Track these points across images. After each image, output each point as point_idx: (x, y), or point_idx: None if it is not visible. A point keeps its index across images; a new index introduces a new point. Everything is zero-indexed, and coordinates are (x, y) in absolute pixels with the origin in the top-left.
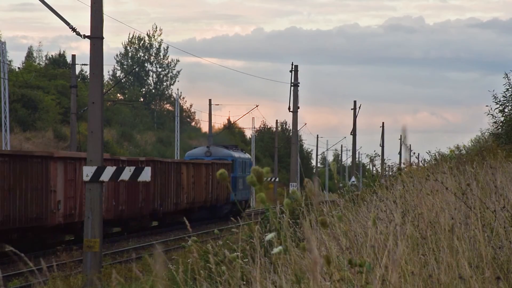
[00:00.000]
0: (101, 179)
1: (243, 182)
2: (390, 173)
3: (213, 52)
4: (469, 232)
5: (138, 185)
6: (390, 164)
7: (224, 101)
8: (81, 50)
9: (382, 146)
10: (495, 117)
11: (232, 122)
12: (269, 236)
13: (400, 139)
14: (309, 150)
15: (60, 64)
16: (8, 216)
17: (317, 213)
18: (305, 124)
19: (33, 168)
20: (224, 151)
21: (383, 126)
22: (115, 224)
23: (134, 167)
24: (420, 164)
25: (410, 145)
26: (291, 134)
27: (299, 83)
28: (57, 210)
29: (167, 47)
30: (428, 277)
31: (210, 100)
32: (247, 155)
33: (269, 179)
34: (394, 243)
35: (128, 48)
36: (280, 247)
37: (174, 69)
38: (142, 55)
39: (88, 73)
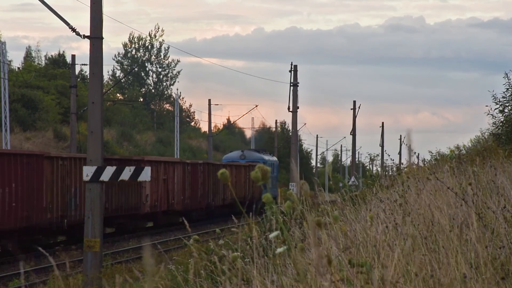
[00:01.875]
0: (101, 179)
1: (272, 182)
2: (390, 173)
3: (213, 52)
4: (469, 233)
5: (198, 183)
6: (390, 164)
7: (224, 101)
8: (81, 50)
9: (382, 146)
10: (495, 117)
11: (231, 122)
12: (273, 234)
13: (400, 139)
14: (309, 150)
15: (60, 64)
16: (118, 205)
17: (314, 213)
18: (305, 124)
19: None
20: (256, 154)
21: (382, 126)
22: (181, 214)
23: (134, 167)
24: (420, 163)
25: (410, 145)
26: (290, 134)
27: (298, 83)
28: (146, 202)
29: (168, 47)
30: (430, 277)
31: (209, 100)
32: (274, 158)
33: None
34: (395, 243)
35: (128, 48)
36: (283, 248)
37: (174, 69)
38: (142, 55)
39: (88, 73)
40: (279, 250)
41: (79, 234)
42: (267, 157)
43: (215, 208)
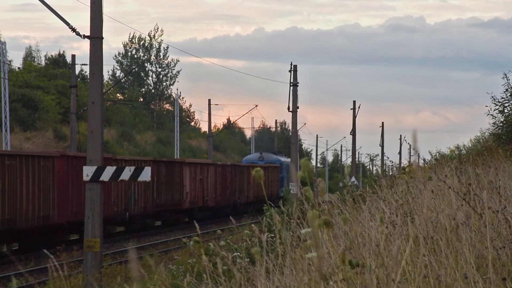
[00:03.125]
0: (101, 179)
1: (287, 181)
2: (391, 173)
3: (214, 52)
4: (471, 233)
5: (226, 183)
6: (390, 165)
7: (224, 101)
8: (82, 50)
9: (382, 146)
10: (495, 117)
11: (231, 122)
12: (305, 230)
13: (400, 139)
14: (309, 150)
15: (60, 64)
16: (166, 200)
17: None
18: (304, 124)
19: (175, 170)
20: (273, 156)
21: (382, 126)
22: (213, 210)
23: (134, 167)
24: (421, 163)
25: (410, 144)
26: (290, 134)
27: (298, 83)
28: (186, 198)
29: (167, 47)
30: (437, 277)
31: (209, 100)
32: (289, 159)
33: None
34: (397, 243)
35: (128, 48)
36: (314, 254)
37: (173, 69)
38: (142, 55)
39: (88, 73)
40: (309, 255)
41: (136, 225)
42: (283, 159)
43: (240, 205)
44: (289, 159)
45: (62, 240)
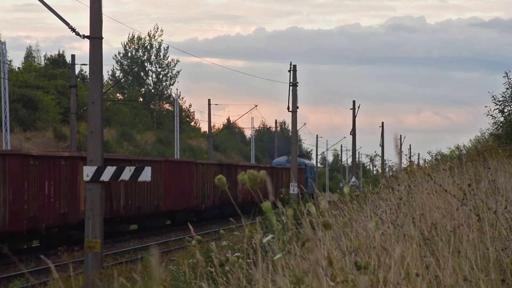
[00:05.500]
0: (101, 179)
1: (311, 181)
2: (391, 173)
3: (214, 52)
4: (471, 234)
5: (266, 182)
6: (390, 165)
7: (224, 101)
8: (83, 50)
9: (382, 146)
10: (495, 117)
11: (231, 122)
12: (267, 238)
13: (400, 139)
14: (309, 150)
15: (59, 64)
16: (223, 197)
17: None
18: (304, 124)
19: (232, 171)
20: (299, 159)
21: (382, 126)
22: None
23: (134, 167)
24: (421, 164)
25: (410, 145)
26: (290, 134)
27: (298, 83)
28: (239, 195)
29: (167, 47)
30: (435, 278)
31: (209, 100)
32: (312, 162)
33: None
34: (397, 245)
35: (128, 48)
36: (280, 254)
37: (173, 69)
38: (142, 55)
39: (88, 73)
40: (276, 257)
41: (208, 216)
42: (307, 161)
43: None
44: (312, 162)
45: (163, 225)
